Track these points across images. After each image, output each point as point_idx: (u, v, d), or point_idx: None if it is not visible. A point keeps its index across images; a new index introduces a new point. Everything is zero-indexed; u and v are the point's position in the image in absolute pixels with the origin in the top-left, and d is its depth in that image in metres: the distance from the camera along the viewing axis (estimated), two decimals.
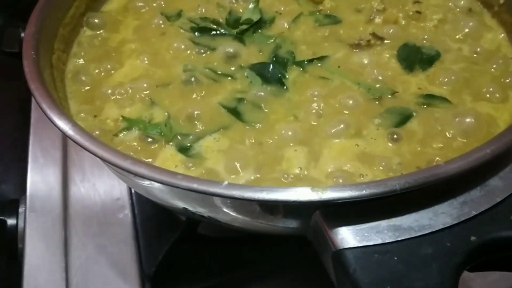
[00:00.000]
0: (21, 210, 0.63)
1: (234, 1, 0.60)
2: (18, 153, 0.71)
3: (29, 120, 0.73)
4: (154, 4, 0.62)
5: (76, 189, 0.64)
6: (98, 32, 0.59)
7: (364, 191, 0.33)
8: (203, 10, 0.60)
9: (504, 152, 0.35)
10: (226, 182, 0.33)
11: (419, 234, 0.34)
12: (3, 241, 0.61)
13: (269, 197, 0.32)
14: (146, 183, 0.38)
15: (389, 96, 0.49)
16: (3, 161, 0.78)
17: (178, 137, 0.46)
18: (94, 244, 0.58)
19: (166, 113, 0.48)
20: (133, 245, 0.57)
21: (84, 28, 0.59)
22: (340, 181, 0.41)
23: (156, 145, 0.46)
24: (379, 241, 0.34)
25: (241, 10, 0.59)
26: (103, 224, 0.60)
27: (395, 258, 0.33)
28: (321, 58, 0.53)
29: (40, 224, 0.61)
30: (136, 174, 0.34)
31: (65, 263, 0.57)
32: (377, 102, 0.48)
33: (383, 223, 0.35)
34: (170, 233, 0.55)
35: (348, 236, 0.34)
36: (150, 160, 0.45)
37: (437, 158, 0.42)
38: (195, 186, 0.33)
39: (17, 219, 0.62)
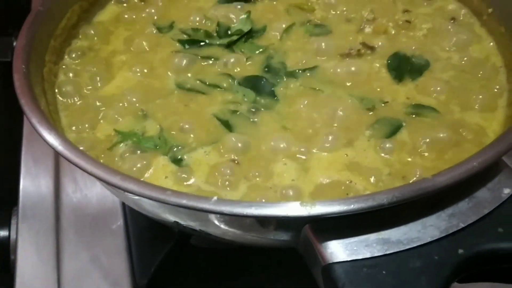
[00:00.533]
0: (13, 221, 0.63)
1: (221, 13, 0.60)
2: (11, 162, 0.71)
3: (21, 128, 0.72)
4: (146, 15, 0.62)
5: (69, 199, 0.64)
6: (89, 44, 0.59)
7: (352, 206, 0.33)
8: (196, 21, 0.61)
9: (491, 164, 0.36)
10: (215, 198, 0.33)
11: (407, 247, 0.34)
12: None
13: (258, 213, 0.33)
14: (137, 198, 0.38)
15: (380, 106, 0.49)
16: None
17: (174, 149, 0.46)
18: (87, 255, 0.58)
19: (158, 126, 0.48)
20: (125, 257, 0.57)
21: (76, 39, 0.59)
22: (331, 194, 0.41)
23: (148, 157, 0.46)
24: (368, 255, 0.34)
25: (229, 21, 0.60)
26: (96, 235, 0.59)
27: (384, 272, 0.33)
28: (312, 69, 0.53)
29: (32, 236, 0.60)
30: (125, 190, 0.35)
31: (57, 275, 0.57)
32: (368, 113, 0.49)
33: (372, 236, 0.35)
34: (163, 244, 0.55)
35: (337, 250, 0.34)
36: (139, 166, 0.45)
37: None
38: (184, 202, 0.33)
39: (9, 230, 0.62)
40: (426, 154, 0.46)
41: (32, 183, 0.66)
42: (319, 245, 0.35)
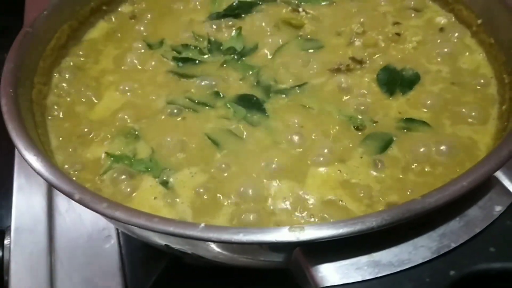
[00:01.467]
0: (6, 241, 0.62)
1: (212, 29, 0.60)
2: (4, 181, 0.71)
3: (13, 147, 0.72)
4: (136, 32, 0.62)
5: (62, 219, 0.63)
6: (79, 63, 0.58)
7: (341, 230, 0.33)
8: (186, 37, 0.61)
9: (480, 183, 0.35)
10: (202, 225, 0.33)
11: (399, 269, 0.34)
12: None
13: (246, 239, 0.32)
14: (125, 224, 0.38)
15: (371, 123, 0.49)
16: None
17: (165, 171, 0.46)
18: (80, 276, 0.57)
19: (150, 147, 0.48)
20: (119, 277, 0.56)
21: (65, 58, 0.59)
22: (325, 214, 0.40)
23: (137, 179, 0.46)
24: (359, 278, 0.34)
25: (220, 37, 0.59)
26: (89, 256, 0.59)
27: None
28: (301, 86, 0.53)
29: (26, 256, 0.60)
30: (112, 218, 0.34)
31: None
32: (358, 129, 0.48)
33: (363, 259, 0.35)
34: (156, 264, 0.54)
35: (328, 274, 0.34)
36: (128, 188, 0.45)
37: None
38: (171, 229, 0.33)
39: (2, 251, 0.61)
40: (417, 169, 0.45)
41: (25, 202, 0.65)
42: (310, 268, 0.35)
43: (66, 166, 0.47)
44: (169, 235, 0.33)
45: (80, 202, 0.36)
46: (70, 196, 0.36)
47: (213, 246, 0.38)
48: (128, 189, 0.45)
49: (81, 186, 0.37)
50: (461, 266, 0.34)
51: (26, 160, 0.39)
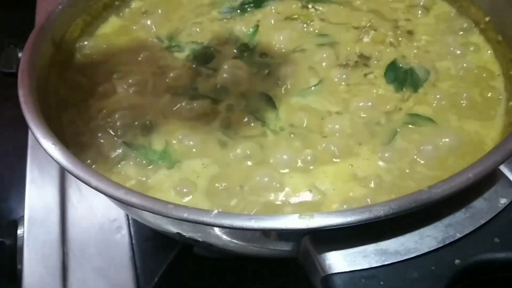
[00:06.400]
0: (19, 231, 0.64)
1: (223, 24, 0.61)
2: (17, 172, 0.72)
3: (26, 138, 0.74)
4: (147, 28, 0.63)
5: (74, 210, 0.65)
6: (91, 57, 0.60)
7: (349, 218, 0.34)
8: (197, 32, 0.62)
9: (486, 175, 0.36)
10: (215, 211, 0.34)
11: (405, 258, 0.35)
12: (2, 263, 0.62)
13: (258, 226, 0.33)
14: (140, 211, 0.39)
15: (378, 119, 0.50)
16: (2, 181, 0.79)
17: (178, 163, 0.47)
18: (92, 266, 0.58)
19: (164, 139, 0.49)
20: (130, 266, 0.58)
21: (78, 52, 0.60)
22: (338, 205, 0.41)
23: (152, 169, 0.47)
24: (366, 266, 0.35)
25: (233, 33, 0.61)
26: (101, 246, 0.60)
27: (382, 282, 0.34)
28: (315, 84, 0.53)
29: (39, 246, 0.61)
30: (128, 204, 0.35)
31: (63, 286, 0.57)
32: (365, 124, 0.49)
33: (370, 247, 0.36)
34: (166, 254, 0.55)
35: (336, 261, 0.35)
36: (143, 178, 0.46)
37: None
38: (185, 215, 0.34)
39: (15, 240, 0.63)
40: (424, 162, 0.46)
41: (38, 192, 0.67)
42: (318, 256, 0.36)
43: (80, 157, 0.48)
44: (183, 221, 0.34)
45: (97, 189, 0.37)
46: (87, 183, 0.37)
47: (224, 234, 0.39)
48: (143, 178, 0.46)
49: (97, 173, 0.38)
50: (466, 256, 0.35)
51: (44, 149, 0.40)
